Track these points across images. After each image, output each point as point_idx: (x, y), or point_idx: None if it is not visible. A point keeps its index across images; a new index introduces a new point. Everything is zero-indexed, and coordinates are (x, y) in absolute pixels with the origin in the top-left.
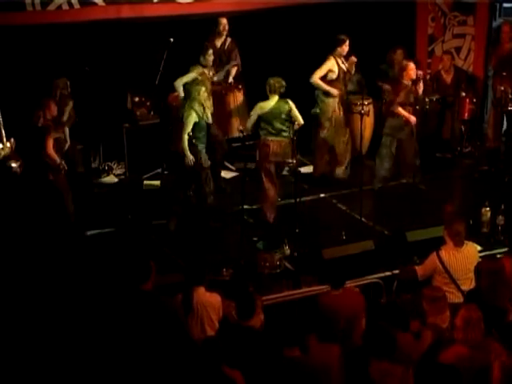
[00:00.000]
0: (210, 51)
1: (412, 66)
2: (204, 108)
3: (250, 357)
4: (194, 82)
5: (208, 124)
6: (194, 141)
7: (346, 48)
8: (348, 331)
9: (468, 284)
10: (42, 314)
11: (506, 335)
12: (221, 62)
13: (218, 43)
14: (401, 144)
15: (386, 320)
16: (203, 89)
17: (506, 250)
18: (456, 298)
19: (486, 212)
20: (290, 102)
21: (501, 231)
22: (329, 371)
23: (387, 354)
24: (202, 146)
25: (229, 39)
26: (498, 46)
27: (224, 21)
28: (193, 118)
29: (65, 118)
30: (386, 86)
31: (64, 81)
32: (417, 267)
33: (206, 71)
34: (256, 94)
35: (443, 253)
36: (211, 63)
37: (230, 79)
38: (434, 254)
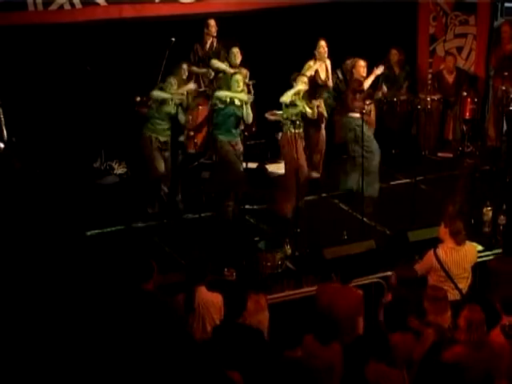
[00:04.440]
0: (235, 49)
1: (361, 62)
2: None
3: (245, 355)
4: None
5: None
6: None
7: (322, 50)
8: (343, 329)
9: (464, 283)
10: (42, 314)
11: None
12: (209, 62)
13: (207, 44)
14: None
15: (386, 320)
16: (240, 77)
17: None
18: (452, 295)
19: (488, 212)
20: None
21: (502, 231)
22: (331, 370)
23: (381, 356)
24: (222, 135)
25: (215, 40)
26: (499, 46)
27: (212, 22)
28: (222, 95)
29: None
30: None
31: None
32: (415, 265)
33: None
34: (256, 94)
35: (440, 251)
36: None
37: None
38: (431, 251)
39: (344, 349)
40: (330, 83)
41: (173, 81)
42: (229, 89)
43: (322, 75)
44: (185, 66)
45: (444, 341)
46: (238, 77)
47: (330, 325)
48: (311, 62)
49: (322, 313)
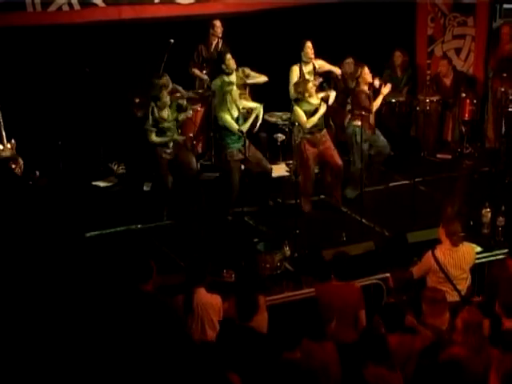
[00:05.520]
0: (228, 55)
1: (367, 70)
2: (237, 109)
3: (249, 358)
4: (225, 83)
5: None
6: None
7: (309, 51)
8: (343, 325)
9: (463, 284)
10: (41, 315)
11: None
12: (214, 63)
13: (212, 46)
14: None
15: (384, 322)
16: (234, 89)
17: (506, 251)
18: (451, 296)
19: (487, 213)
20: None
21: (501, 232)
22: (326, 370)
23: (381, 360)
24: (234, 146)
25: (221, 41)
26: (498, 47)
27: (218, 23)
28: (229, 118)
29: None
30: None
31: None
32: (413, 267)
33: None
34: (257, 95)
35: (438, 252)
36: (234, 66)
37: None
38: (430, 253)
39: (343, 351)
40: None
41: (165, 94)
42: (224, 100)
43: (308, 76)
44: (167, 78)
45: (441, 342)
46: (233, 87)
47: (323, 324)
48: (295, 67)
49: (323, 312)
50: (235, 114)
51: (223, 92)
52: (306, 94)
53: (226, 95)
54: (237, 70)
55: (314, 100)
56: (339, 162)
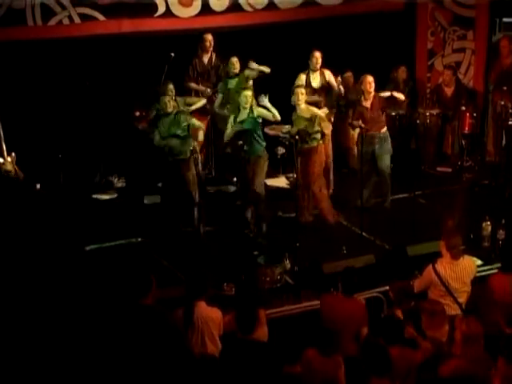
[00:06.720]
0: (234, 59)
1: (369, 79)
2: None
3: (253, 371)
4: (240, 86)
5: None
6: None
7: (314, 60)
8: (345, 339)
9: (464, 297)
10: (40, 329)
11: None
12: (208, 77)
13: (205, 59)
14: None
15: (384, 334)
16: (250, 93)
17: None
18: (453, 310)
19: (487, 226)
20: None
21: (501, 245)
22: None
23: (384, 372)
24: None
25: (214, 54)
26: (498, 61)
27: (209, 37)
28: (229, 120)
29: None
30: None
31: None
32: (414, 281)
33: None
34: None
35: (439, 266)
36: (236, 70)
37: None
38: (430, 266)
39: (346, 363)
40: (340, 89)
41: (166, 99)
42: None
43: (315, 84)
44: (171, 86)
45: (441, 355)
46: (247, 93)
47: (332, 336)
48: (301, 74)
49: (325, 324)
50: (241, 116)
51: (228, 94)
52: (295, 99)
53: (228, 97)
54: (238, 74)
55: (300, 109)
56: (313, 187)
